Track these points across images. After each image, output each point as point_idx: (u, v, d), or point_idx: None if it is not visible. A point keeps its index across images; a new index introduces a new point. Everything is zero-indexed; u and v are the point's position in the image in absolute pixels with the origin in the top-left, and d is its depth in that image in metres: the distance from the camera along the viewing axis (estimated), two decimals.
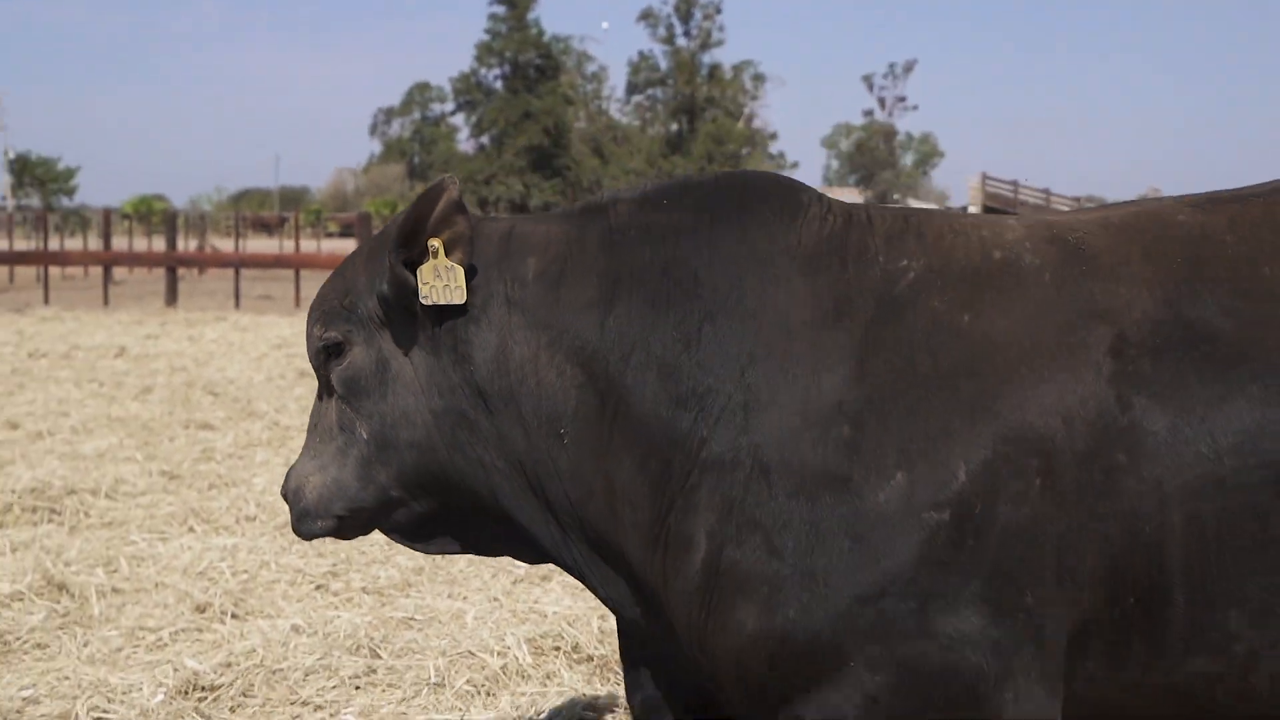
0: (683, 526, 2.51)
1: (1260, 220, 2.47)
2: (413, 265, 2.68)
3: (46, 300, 22.41)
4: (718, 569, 2.46)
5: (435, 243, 2.66)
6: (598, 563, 2.78)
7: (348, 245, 53.70)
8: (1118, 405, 2.32)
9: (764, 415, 2.45)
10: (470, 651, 4.77)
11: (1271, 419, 2.27)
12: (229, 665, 4.64)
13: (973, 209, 58.94)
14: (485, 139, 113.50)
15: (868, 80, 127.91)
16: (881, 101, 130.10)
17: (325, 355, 2.84)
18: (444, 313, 2.72)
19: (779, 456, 2.42)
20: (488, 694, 4.48)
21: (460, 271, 2.67)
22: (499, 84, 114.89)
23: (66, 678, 4.56)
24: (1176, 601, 2.30)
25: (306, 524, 2.91)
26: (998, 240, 2.57)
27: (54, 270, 27.42)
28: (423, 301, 2.67)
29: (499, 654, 4.70)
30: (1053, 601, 2.31)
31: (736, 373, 2.49)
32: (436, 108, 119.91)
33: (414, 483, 2.83)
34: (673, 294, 2.58)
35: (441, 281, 2.67)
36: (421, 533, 2.93)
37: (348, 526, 2.93)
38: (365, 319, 2.80)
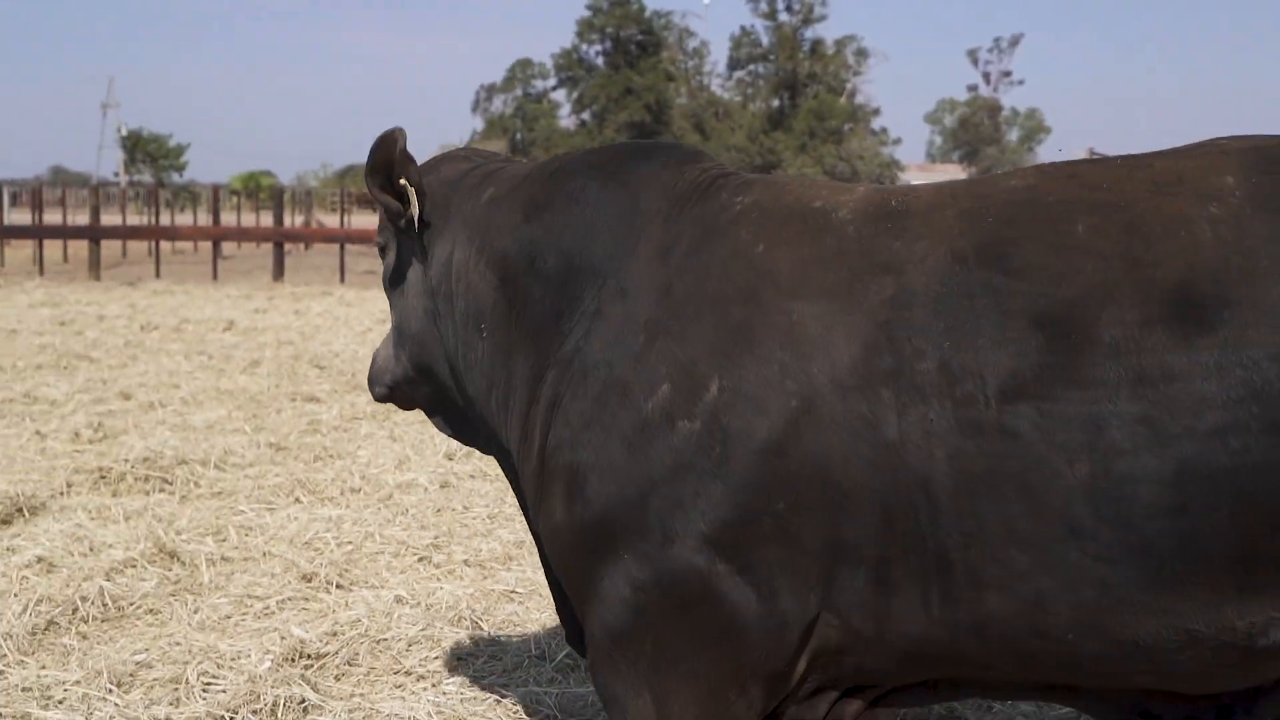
0: (532, 416, 2.87)
1: (1094, 181, 2.49)
2: (391, 193, 3.16)
3: (158, 274, 22.86)
4: (544, 458, 2.78)
5: (398, 177, 3.14)
6: (506, 457, 3.23)
7: None
8: (887, 346, 2.42)
9: (598, 324, 2.76)
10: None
11: (1048, 364, 2.31)
12: (334, 634, 4.72)
13: None
14: (586, 115, 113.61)
15: (973, 55, 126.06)
16: (986, 76, 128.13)
17: (381, 256, 3.42)
18: (425, 228, 3.20)
19: (594, 360, 2.72)
20: (588, 668, 4.50)
21: (413, 193, 3.14)
22: (600, 60, 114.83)
23: (177, 643, 4.66)
24: (953, 538, 2.39)
25: (372, 389, 3.53)
26: (829, 194, 2.76)
27: (165, 245, 27.96)
28: (396, 222, 3.21)
29: None
30: (809, 516, 2.45)
31: (595, 288, 2.81)
32: (538, 84, 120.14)
33: (416, 367, 3.35)
34: (569, 222, 2.93)
35: (405, 204, 3.17)
36: (433, 411, 3.49)
37: (396, 397, 3.49)
38: (391, 231, 3.32)
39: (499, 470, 5.54)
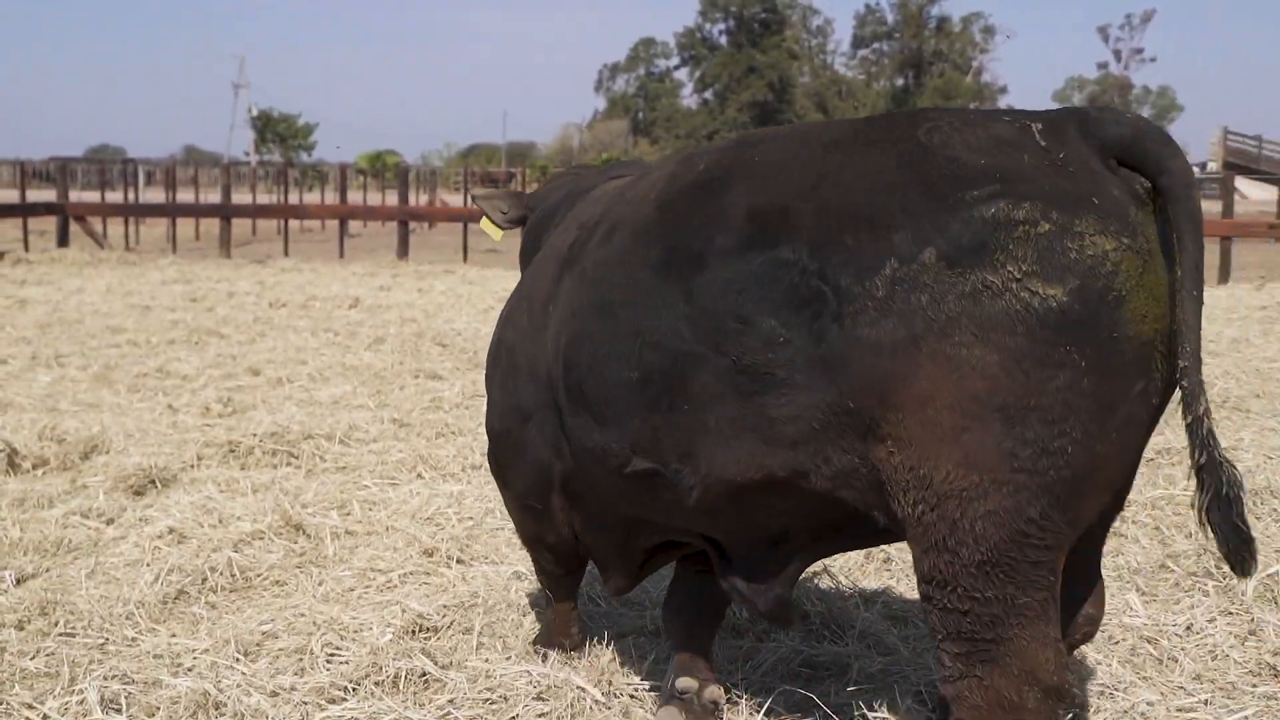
0: None
1: (757, 154, 3.10)
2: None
3: (286, 252, 23.27)
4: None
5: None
6: None
7: None
8: (556, 275, 3.65)
9: (526, 277, 4.05)
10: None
11: (640, 280, 3.15)
12: (454, 607, 4.76)
13: (1213, 166, 56.39)
14: (709, 94, 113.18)
15: (1103, 31, 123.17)
16: (1117, 54, 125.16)
17: None
18: None
19: (509, 307, 4.05)
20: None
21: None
22: (723, 39, 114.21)
23: (302, 614, 4.74)
24: (588, 400, 3.35)
25: None
26: (620, 180, 4.12)
27: (293, 223, 28.43)
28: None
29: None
30: (536, 393, 3.71)
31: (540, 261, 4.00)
32: (661, 63, 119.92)
33: None
34: (566, 220, 4.09)
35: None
36: None
37: None
38: None
39: None
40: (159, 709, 3.88)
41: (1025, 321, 2.56)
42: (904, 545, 4.98)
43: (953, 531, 2.66)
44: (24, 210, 23.49)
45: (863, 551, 5.40)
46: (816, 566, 5.21)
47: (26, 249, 22.49)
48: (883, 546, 5.36)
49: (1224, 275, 18.86)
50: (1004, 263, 2.58)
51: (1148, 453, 7.02)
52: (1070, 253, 2.57)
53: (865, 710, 3.80)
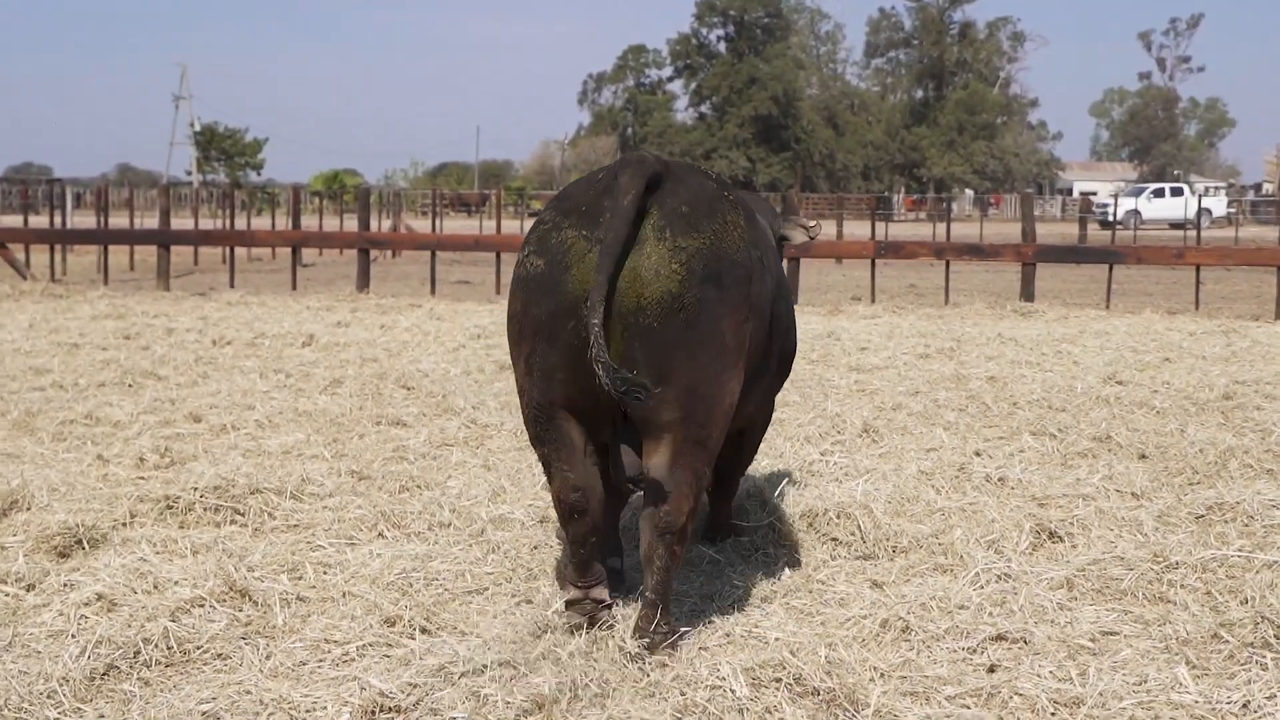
0: None
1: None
2: None
3: (232, 283, 23.28)
4: None
5: None
6: None
7: None
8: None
9: None
10: (681, 679, 4.78)
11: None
12: (418, 684, 4.74)
13: (1269, 188, 56.65)
14: (705, 108, 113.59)
15: (1145, 38, 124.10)
16: (1161, 63, 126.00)
17: None
18: None
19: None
20: None
21: None
22: (722, 46, 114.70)
23: (248, 692, 4.72)
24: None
25: None
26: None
27: (240, 251, 28.46)
28: None
29: (712, 686, 4.70)
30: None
31: None
32: (652, 73, 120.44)
33: None
34: None
35: None
36: None
37: None
38: None
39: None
40: None
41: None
42: (924, 612, 5.06)
43: None
44: None
45: (877, 620, 5.40)
46: (823, 636, 5.21)
47: None
48: (900, 614, 5.36)
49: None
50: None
51: (1198, 508, 7.06)
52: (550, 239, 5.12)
53: None
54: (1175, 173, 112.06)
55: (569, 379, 4.99)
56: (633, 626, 5.19)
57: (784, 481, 7.60)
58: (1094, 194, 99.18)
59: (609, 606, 5.42)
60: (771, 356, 5.83)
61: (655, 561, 5.14)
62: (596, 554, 5.39)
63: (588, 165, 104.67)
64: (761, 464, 8.37)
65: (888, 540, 6.62)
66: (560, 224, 5.07)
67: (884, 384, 12.02)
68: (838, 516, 6.81)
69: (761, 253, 5.39)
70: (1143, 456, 8.73)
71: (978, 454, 8.69)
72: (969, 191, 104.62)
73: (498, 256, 22.40)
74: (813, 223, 7.13)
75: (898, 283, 26.71)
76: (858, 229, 42.58)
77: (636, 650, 5.00)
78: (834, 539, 6.71)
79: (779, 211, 7.38)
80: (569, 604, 5.42)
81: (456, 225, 52.13)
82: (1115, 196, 33.34)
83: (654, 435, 5.08)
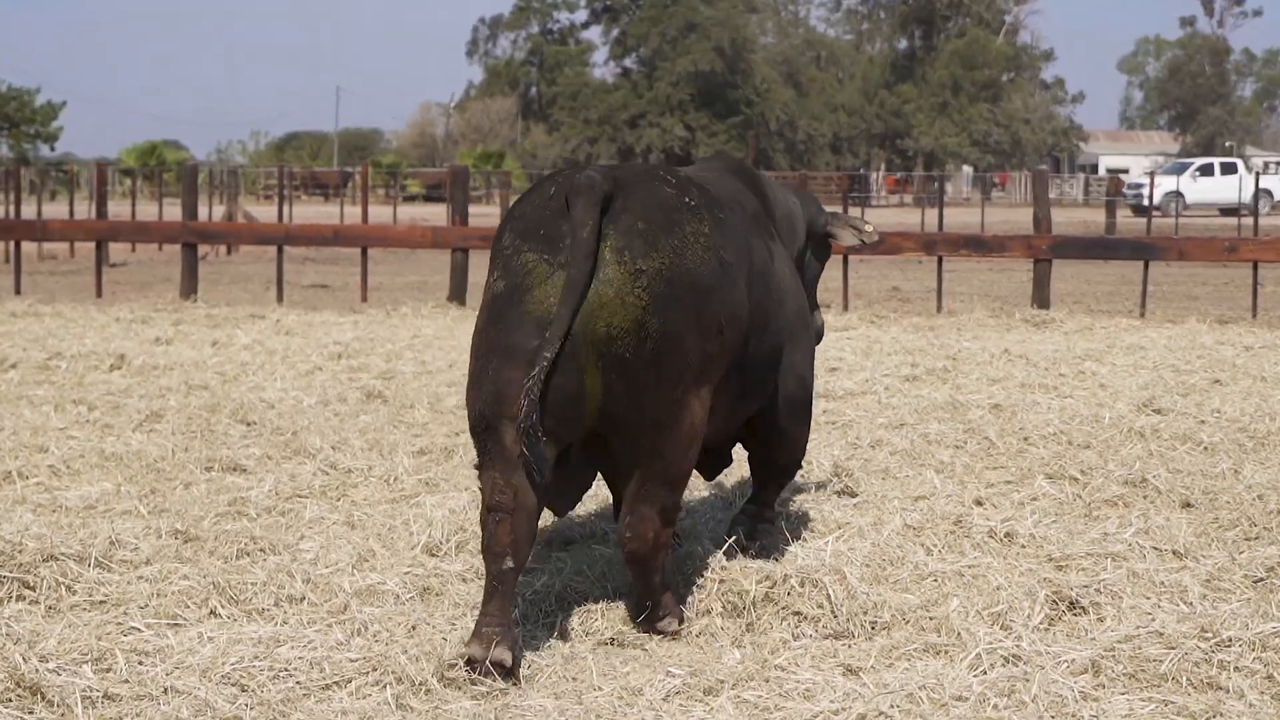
0: None
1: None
2: None
3: (18, 289, 23.04)
4: None
5: None
6: None
7: (436, 212, 54.14)
8: None
9: None
10: None
11: None
12: None
13: None
14: (631, 62, 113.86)
15: None
16: (1208, 5, 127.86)
17: None
18: None
19: None
20: None
21: None
22: None
23: None
24: None
25: None
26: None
27: (28, 247, 28.19)
28: None
29: None
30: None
31: None
32: (562, 17, 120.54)
33: None
34: None
35: None
36: None
37: None
38: None
39: None
40: None
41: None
42: (911, 706, 5.00)
43: None
44: None
45: (852, 716, 5.43)
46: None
47: None
48: (882, 709, 5.40)
49: None
50: None
51: (1256, 570, 7.15)
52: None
53: None
54: (1227, 144, 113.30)
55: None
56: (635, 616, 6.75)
57: (733, 539, 7.63)
58: (1125, 171, 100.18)
59: (509, 674, 5.99)
60: (760, 363, 7.16)
61: (636, 581, 6.68)
62: (512, 596, 6.29)
63: (479, 135, 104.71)
64: (706, 516, 8.42)
65: (865, 614, 6.65)
66: (520, 248, 6.28)
67: (860, 415, 12.08)
68: (801, 584, 6.83)
69: (735, 255, 6.66)
70: (1187, 505, 8.84)
71: (979, 503, 8.75)
72: (967, 168, 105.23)
73: (364, 253, 22.31)
74: (868, 224, 8.40)
75: (877, 285, 26.88)
76: None
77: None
78: (797, 613, 6.73)
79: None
80: (467, 661, 6.03)
81: (310, 212, 51.80)
82: (1151, 175, 33.57)
83: (624, 465, 6.52)
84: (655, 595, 6.64)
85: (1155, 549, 7.72)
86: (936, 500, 8.84)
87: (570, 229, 6.12)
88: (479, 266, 15.04)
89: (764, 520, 8.00)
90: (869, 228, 8.32)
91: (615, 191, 6.26)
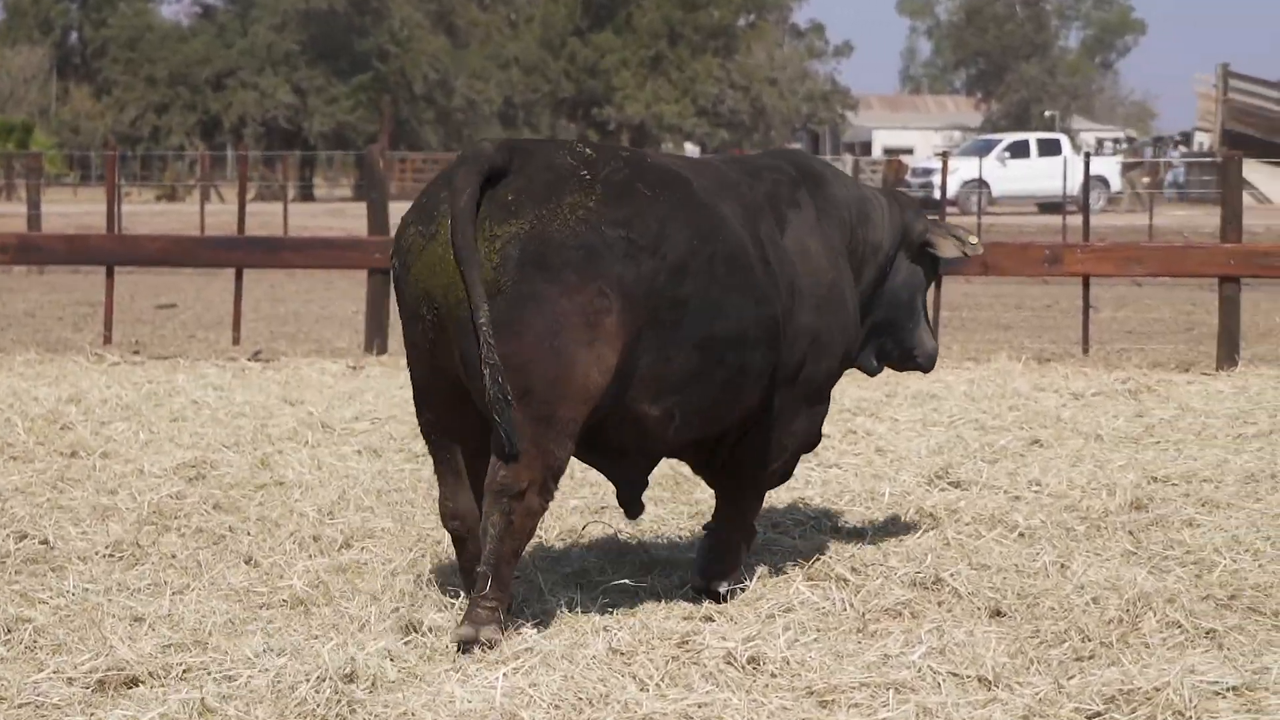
0: None
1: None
2: None
3: None
4: None
5: None
6: None
7: None
8: None
9: None
10: None
11: None
12: None
13: (1202, 139, 59.48)
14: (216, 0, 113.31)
15: None
16: None
17: None
18: None
19: None
20: None
21: None
22: None
23: None
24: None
25: None
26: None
27: None
28: None
29: None
30: None
31: None
32: None
33: None
34: None
35: None
36: None
37: None
38: None
39: None
40: None
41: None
42: None
43: None
44: None
45: None
46: None
47: None
48: None
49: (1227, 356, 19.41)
50: None
51: (1093, 703, 7.32)
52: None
53: None
54: (1046, 114, 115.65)
55: (429, 371, 8.71)
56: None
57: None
58: (909, 152, 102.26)
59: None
60: (698, 346, 8.87)
61: (490, 529, 8.26)
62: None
63: None
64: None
65: None
66: (407, 224, 8.66)
67: None
68: None
69: (642, 234, 8.55)
70: (997, 614, 9.00)
71: (709, 618, 8.79)
72: (691, 147, 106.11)
73: None
74: (973, 236, 9.55)
75: None
76: None
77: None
78: None
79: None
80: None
81: None
82: (944, 156, 34.10)
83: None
84: (498, 564, 8.30)
85: (954, 675, 7.77)
86: (653, 614, 8.91)
87: (449, 197, 8.23)
88: None
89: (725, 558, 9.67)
90: (973, 239, 9.49)
91: (512, 161, 8.43)
